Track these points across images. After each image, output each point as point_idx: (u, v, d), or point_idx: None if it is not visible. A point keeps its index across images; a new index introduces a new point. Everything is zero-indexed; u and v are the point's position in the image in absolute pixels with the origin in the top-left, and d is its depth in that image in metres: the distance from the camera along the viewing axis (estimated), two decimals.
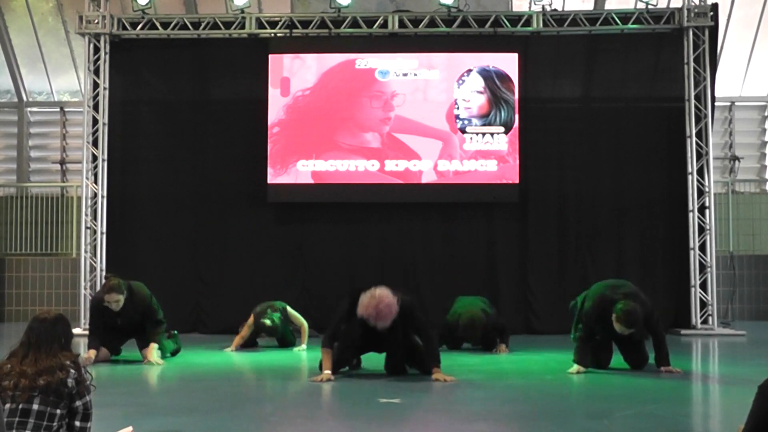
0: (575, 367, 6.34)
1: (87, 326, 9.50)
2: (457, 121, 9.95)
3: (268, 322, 7.97)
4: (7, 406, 3.18)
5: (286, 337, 8.38)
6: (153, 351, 6.97)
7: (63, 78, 12.67)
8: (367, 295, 5.85)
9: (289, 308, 8.28)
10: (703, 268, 9.85)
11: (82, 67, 10.87)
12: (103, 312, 6.97)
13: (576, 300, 6.91)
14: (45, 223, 11.92)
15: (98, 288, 8.93)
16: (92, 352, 6.91)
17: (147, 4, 10.09)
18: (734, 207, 11.83)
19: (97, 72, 10.16)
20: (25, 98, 12.70)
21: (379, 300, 5.80)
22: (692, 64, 9.90)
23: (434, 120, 9.95)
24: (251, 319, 8.11)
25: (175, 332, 7.82)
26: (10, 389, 3.21)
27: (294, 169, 9.99)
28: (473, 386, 5.91)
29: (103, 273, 9.90)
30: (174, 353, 7.62)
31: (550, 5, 10.12)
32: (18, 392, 3.20)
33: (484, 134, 9.92)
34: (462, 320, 7.61)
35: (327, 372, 5.94)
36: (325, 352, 6.05)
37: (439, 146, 9.93)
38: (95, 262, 9.97)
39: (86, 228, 10.05)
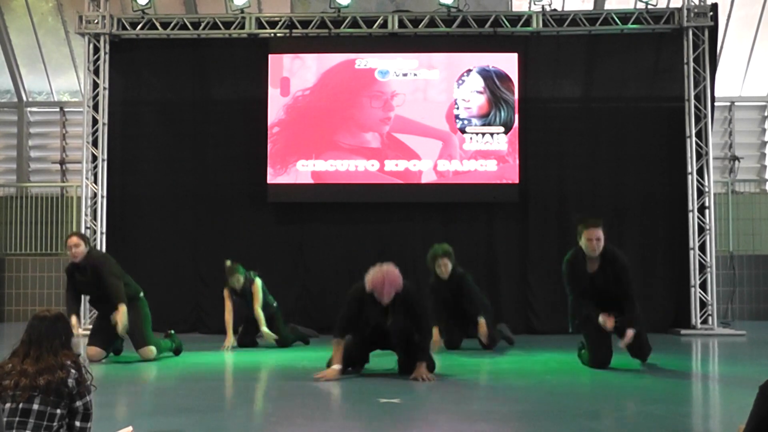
0: (602, 319, 6.36)
1: (89, 326, 9.57)
2: (457, 121, 9.95)
3: (234, 284, 8.13)
4: (8, 405, 3.17)
5: (285, 339, 8.40)
6: (122, 313, 6.99)
7: (63, 78, 12.67)
8: (374, 269, 6.09)
9: (258, 282, 8.24)
10: (703, 268, 9.85)
11: (81, 67, 10.87)
12: (72, 273, 7.28)
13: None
14: (45, 223, 11.92)
15: None
16: (74, 320, 7.11)
17: (147, 4, 10.09)
18: (734, 207, 11.83)
19: (96, 72, 10.16)
20: (25, 98, 12.70)
21: (386, 271, 6.05)
22: (692, 64, 9.91)
23: (434, 120, 9.95)
24: (226, 296, 8.23)
25: (172, 332, 7.83)
26: (10, 389, 3.20)
27: (294, 169, 9.99)
28: (473, 386, 5.91)
29: None
30: (177, 352, 7.63)
31: (549, 5, 10.12)
32: (18, 392, 3.19)
33: (483, 134, 9.92)
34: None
35: (336, 367, 5.95)
36: (336, 344, 6.08)
37: (438, 146, 9.93)
38: None
39: (86, 228, 10.05)
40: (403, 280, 6.14)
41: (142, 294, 7.44)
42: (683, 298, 9.87)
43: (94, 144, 10.14)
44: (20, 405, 3.18)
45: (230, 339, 8.14)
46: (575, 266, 6.51)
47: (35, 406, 3.19)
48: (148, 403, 5.19)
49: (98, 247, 9.98)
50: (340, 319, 6.22)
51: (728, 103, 12.41)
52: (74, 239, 7.21)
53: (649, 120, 10.13)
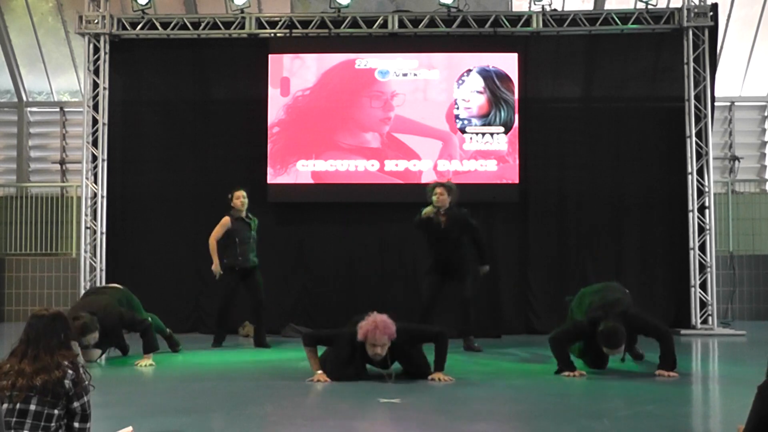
0: (570, 374, 6.22)
1: None
2: (457, 121, 9.95)
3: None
4: (5, 406, 3.16)
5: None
6: (149, 360, 7.02)
7: (63, 78, 12.66)
8: (366, 319, 5.89)
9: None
10: (703, 268, 9.85)
11: (82, 67, 10.86)
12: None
13: (573, 298, 6.95)
14: (45, 223, 11.92)
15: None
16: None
17: (147, 4, 10.09)
18: (734, 207, 11.83)
19: (97, 72, 10.16)
20: (24, 98, 12.70)
21: (378, 318, 5.84)
22: (692, 64, 9.90)
23: (434, 120, 9.94)
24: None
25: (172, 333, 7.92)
26: (7, 389, 3.20)
27: (294, 169, 9.99)
28: (473, 386, 5.91)
29: (103, 273, 9.91)
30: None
31: (550, 5, 10.11)
32: (15, 392, 3.19)
33: (484, 134, 9.92)
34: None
35: (319, 372, 6.06)
36: (309, 351, 6.20)
37: (439, 146, 9.93)
38: (95, 262, 9.97)
39: (86, 228, 10.05)
40: (397, 323, 5.92)
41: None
42: (683, 298, 9.86)
43: (94, 144, 10.13)
44: (17, 405, 3.18)
45: (217, 265, 8.46)
46: (589, 338, 6.29)
47: (32, 407, 3.19)
48: (148, 403, 5.19)
49: (98, 248, 9.97)
50: (319, 334, 6.57)
51: (728, 103, 12.40)
52: (91, 337, 6.69)
53: (649, 120, 10.12)
